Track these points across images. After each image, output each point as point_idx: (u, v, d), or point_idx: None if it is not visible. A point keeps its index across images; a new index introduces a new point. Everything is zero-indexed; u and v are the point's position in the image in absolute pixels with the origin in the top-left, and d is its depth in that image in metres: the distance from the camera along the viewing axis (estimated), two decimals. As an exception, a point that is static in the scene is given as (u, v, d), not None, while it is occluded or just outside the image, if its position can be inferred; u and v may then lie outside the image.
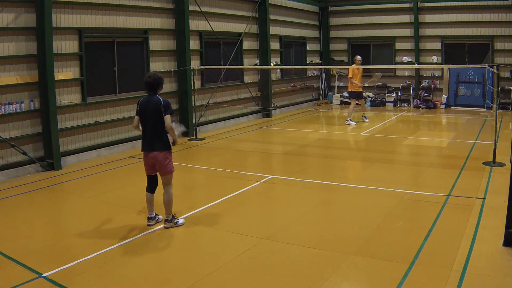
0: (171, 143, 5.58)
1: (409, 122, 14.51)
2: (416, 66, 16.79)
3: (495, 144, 8.19)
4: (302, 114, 15.96)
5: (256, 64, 15.07)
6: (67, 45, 9.13)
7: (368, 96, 17.72)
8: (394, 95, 17.49)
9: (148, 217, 5.74)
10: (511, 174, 4.74)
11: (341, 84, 18.83)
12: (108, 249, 5.01)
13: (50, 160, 8.59)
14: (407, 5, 17.22)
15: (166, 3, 11.51)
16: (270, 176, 7.90)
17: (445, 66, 16.36)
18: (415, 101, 17.10)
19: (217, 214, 6.12)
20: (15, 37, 8.21)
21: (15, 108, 8.23)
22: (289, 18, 17.07)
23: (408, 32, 17.44)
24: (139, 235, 5.41)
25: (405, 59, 17.60)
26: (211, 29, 12.96)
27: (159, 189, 5.71)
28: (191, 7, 11.99)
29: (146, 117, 5.49)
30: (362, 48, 18.23)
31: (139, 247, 5.12)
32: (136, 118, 5.60)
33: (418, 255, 4.66)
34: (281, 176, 7.99)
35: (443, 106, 16.60)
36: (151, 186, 5.70)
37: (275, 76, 16.22)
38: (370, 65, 17.31)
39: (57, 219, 6.38)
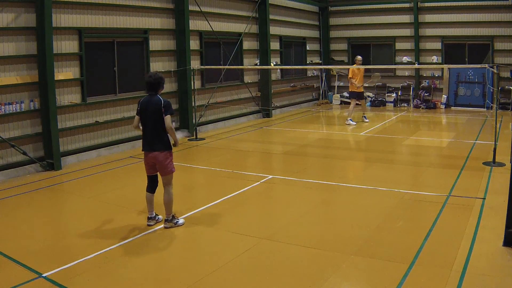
0: (172, 144, 5.58)
1: (409, 122, 14.51)
2: (416, 66, 16.80)
3: (495, 144, 8.19)
4: (302, 114, 15.96)
5: (256, 64, 15.07)
6: (67, 45, 9.13)
7: (368, 96, 17.72)
8: (394, 95, 17.49)
9: (148, 217, 5.74)
10: (511, 174, 4.74)
11: (341, 84, 18.83)
12: (108, 249, 5.01)
13: (50, 160, 8.59)
14: (407, 5, 17.22)
15: (166, 3, 11.51)
16: (270, 176, 7.90)
17: (445, 66, 16.36)
18: (415, 101, 17.10)
19: (217, 214, 6.12)
20: (15, 37, 8.21)
21: (15, 108, 8.23)
22: (289, 18, 17.07)
23: (408, 32, 17.44)
24: (139, 235, 5.41)
25: (405, 59, 17.60)
26: (211, 29, 12.96)
27: (159, 189, 5.71)
28: (191, 7, 11.99)
29: (147, 117, 5.49)
30: (362, 48, 18.22)
31: (139, 247, 5.12)
32: (137, 117, 5.60)
33: (418, 255, 4.66)
34: (281, 176, 7.99)
35: (443, 106, 16.60)
36: (151, 186, 5.70)
37: (275, 76, 16.23)
38: (370, 65, 17.32)
39: (57, 219, 6.38)
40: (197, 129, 11.82)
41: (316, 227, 5.71)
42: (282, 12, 16.61)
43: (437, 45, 17.01)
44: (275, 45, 16.11)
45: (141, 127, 5.62)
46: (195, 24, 12.45)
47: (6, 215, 6.30)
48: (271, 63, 15.35)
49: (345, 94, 17.90)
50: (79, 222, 5.94)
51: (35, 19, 8.40)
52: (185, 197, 6.97)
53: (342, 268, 4.48)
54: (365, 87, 14.53)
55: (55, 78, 8.61)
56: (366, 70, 15.06)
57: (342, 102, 18.40)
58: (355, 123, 13.20)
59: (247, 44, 14.84)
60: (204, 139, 11.57)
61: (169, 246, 5.20)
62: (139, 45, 10.95)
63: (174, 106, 11.53)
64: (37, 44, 8.44)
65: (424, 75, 17.44)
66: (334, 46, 19.33)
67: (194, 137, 11.61)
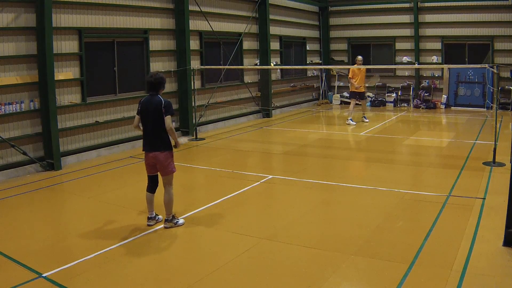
0: (172, 145, 5.58)
1: (409, 122, 14.51)
2: (416, 66, 16.80)
3: (495, 144, 8.19)
4: (302, 114, 15.96)
5: (256, 64, 15.07)
6: (67, 45, 9.13)
7: (368, 96, 17.71)
8: (394, 95, 17.48)
9: (148, 217, 5.74)
10: (511, 174, 4.74)
11: (341, 84, 18.83)
12: (108, 249, 5.01)
13: (50, 160, 8.60)
14: (407, 5, 17.22)
15: (166, 3, 11.51)
16: (270, 176, 7.90)
17: (445, 66, 16.36)
18: (415, 101, 17.10)
19: (217, 214, 6.12)
20: (15, 37, 8.21)
21: (15, 108, 8.23)
22: (289, 18, 17.06)
23: (408, 32, 17.44)
24: (139, 235, 5.41)
25: (405, 59, 17.60)
26: (211, 29, 12.96)
27: (160, 189, 5.71)
28: (191, 7, 11.99)
29: (147, 117, 5.49)
30: (362, 48, 18.22)
31: (139, 247, 5.12)
32: (137, 117, 5.61)
33: (418, 255, 4.66)
34: (281, 176, 7.99)
35: (443, 106, 16.59)
36: (152, 186, 5.70)
37: (275, 76, 16.22)
38: (370, 65, 17.31)
39: (57, 219, 6.38)
40: (197, 129, 11.82)
41: (316, 227, 5.71)
42: (282, 12, 16.61)
43: (437, 45, 17.01)
44: (275, 45, 16.11)
45: (141, 127, 5.62)
46: (195, 24, 12.45)
47: (6, 215, 6.30)
48: (271, 63, 15.35)
49: (345, 94, 17.89)
50: (79, 222, 5.94)
51: (35, 19, 8.40)
52: (185, 197, 6.97)
53: (342, 268, 4.48)
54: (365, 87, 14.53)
55: (55, 78, 8.61)
56: (367, 71, 15.05)
57: (342, 102, 18.40)
58: (355, 123, 13.20)
59: (247, 44, 14.84)
60: (204, 139, 11.57)
61: (169, 246, 5.20)
62: (139, 45, 10.95)
63: (174, 106, 11.53)
64: (37, 44, 8.44)
65: (424, 75, 17.44)
66: (334, 46, 19.33)
67: (194, 137, 11.61)
